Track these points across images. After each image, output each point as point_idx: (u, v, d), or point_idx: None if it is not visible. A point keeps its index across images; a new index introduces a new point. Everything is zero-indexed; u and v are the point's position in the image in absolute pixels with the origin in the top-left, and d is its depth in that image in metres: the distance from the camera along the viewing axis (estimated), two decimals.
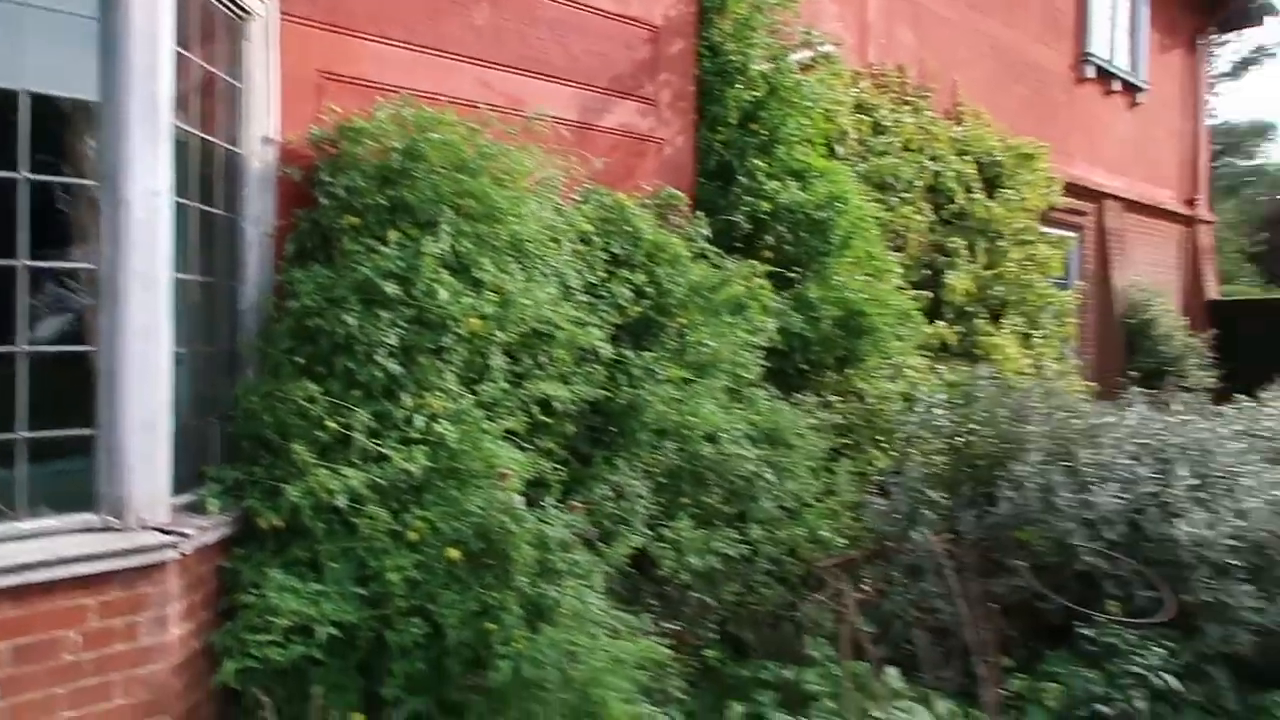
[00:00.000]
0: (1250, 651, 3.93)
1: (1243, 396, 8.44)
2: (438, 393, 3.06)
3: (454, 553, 2.82)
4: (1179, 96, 12.27)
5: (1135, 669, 3.66)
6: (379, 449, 2.93)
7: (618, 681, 2.62)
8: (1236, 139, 27.76)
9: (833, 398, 5.31)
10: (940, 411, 5.29)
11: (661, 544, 3.84)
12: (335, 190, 3.34)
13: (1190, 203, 12.47)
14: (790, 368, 5.00)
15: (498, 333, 3.18)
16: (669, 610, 4.04)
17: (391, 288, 3.05)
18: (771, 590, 4.23)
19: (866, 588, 4.63)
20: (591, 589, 2.91)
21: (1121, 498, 4.15)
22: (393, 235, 3.18)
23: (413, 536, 2.89)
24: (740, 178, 5.09)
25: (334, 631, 2.71)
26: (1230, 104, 45.39)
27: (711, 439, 3.91)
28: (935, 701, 3.67)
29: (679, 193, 4.75)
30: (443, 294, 3.07)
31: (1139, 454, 4.34)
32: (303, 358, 3.07)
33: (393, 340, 3.02)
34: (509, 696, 2.70)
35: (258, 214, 3.43)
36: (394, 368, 3.01)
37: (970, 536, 4.69)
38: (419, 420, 3.00)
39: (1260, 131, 28.83)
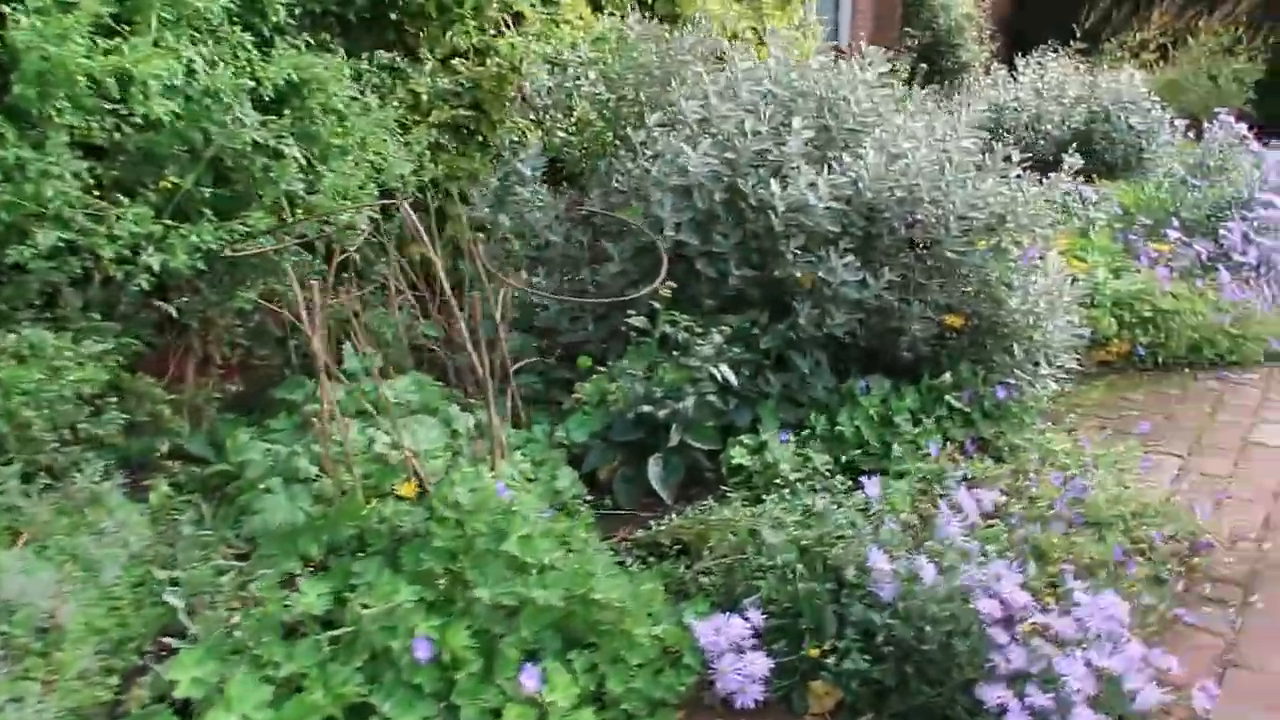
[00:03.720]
0: (855, 334, 3.28)
1: (1002, 70, 7.66)
2: None
3: None
4: None
5: (694, 362, 2.95)
6: None
7: None
8: None
9: (455, 60, 4.20)
10: (593, 74, 4.26)
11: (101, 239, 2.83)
12: None
13: None
14: (373, 13, 3.83)
15: None
16: (160, 331, 3.13)
17: None
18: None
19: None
20: None
21: (723, 158, 3.28)
22: None
23: None
24: None
25: None
26: None
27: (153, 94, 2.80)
28: (463, 414, 2.93)
29: None
30: None
31: (757, 105, 3.42)
32: None
33: None
34: None
35: None
36: None
37: (597, 220, 3.86)
38: None
39: None
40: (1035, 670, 1.72)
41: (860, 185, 3.18)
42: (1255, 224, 4.53)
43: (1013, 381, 3.25)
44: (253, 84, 3.08)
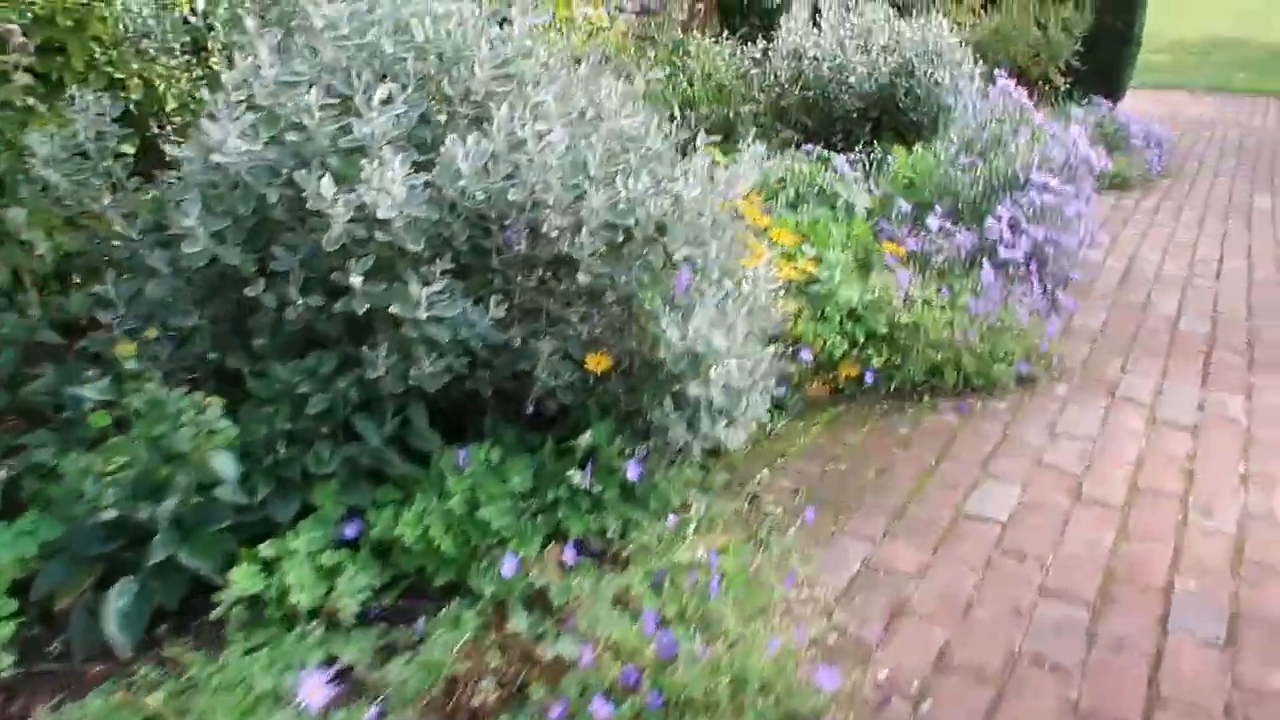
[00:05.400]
0: (480, 379, 2.47)
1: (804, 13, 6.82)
2: None
3: None
4: None
5: (184, 445, 2.07)
6: None
7: None
8: None
9: None
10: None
11: None
12: None
13: None
14: None
15: None
16: None
17: None
18: None
19: None
20: None
21: (288, 141, 2.37)
22: None
23: None
24: None
25: None
26: None
27: None
28: None
29: None
30: None
31: (347, 66, 2.50)
32: None
33: None
34: None
35: None
36: None
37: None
38: None
39: None
40: None
41: (463, 184, 2.32)
42: (1030, 209, 3.87)
43: (679, 440, 2.48)
44: None
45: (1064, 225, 3.92)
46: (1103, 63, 8.59)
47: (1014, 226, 3.80)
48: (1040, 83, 8.18)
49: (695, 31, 5.80)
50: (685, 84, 5.60)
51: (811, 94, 6.07)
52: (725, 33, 6.81)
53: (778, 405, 3.06)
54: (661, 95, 5.39)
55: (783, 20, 6.64)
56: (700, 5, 5.80)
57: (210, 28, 3.63)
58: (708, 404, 2.46)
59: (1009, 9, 7.93)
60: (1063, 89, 8.11)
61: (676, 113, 5.46)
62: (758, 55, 6.44)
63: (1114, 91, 8.99)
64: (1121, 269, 4.67)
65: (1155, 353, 3.64)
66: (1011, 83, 4.43)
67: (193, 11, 3.55)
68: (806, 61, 6.07)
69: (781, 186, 4.66)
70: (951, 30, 6.25)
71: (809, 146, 5.37)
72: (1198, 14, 24.02)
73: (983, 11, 8.05)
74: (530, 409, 2.50)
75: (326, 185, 2.19)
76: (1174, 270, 4.67)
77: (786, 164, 4.86)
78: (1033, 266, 3.80)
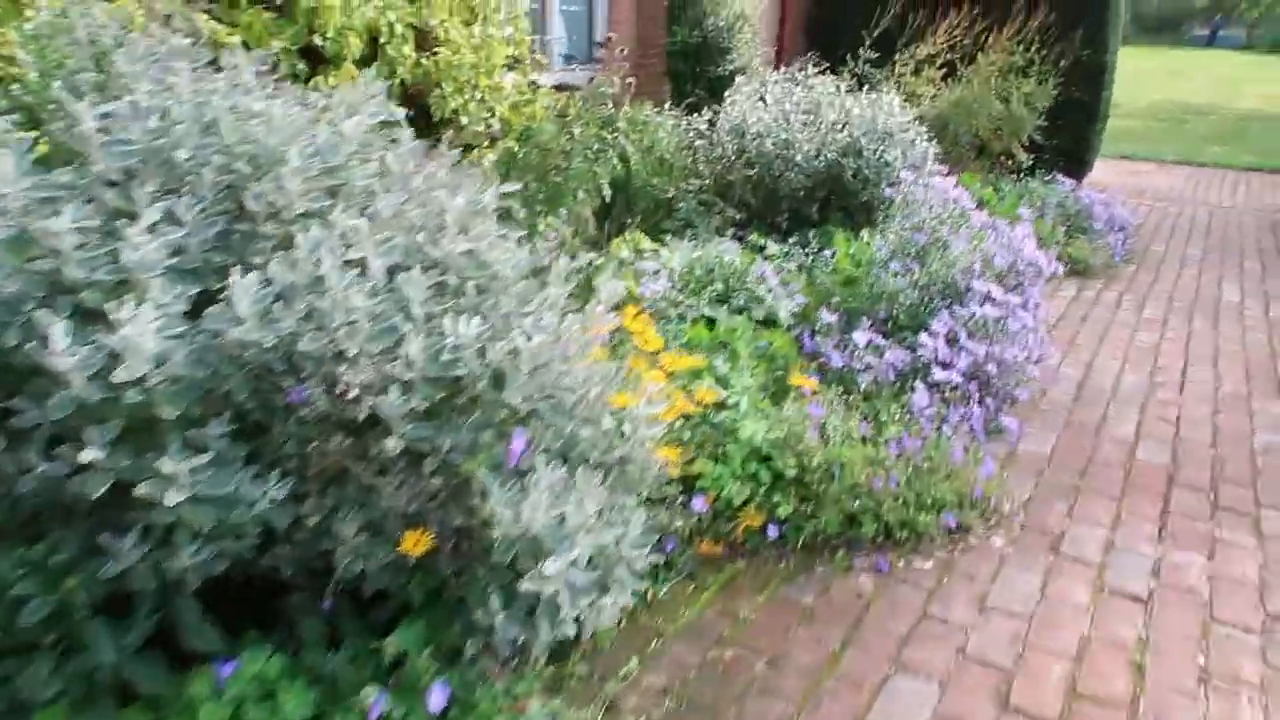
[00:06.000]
0: (278, 562, 2.02)
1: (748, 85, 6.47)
2: None
3: None
4: None
5: None
6: None
7: None
8: None
9: None
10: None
11: None
12: None
13: None
14: None
15: None
16: None
17: None
18: None
19: None
20: None
21: (39, 273, 1.94)
22: None
23: None
24: None
25: None
26: None
27: None
28: None
29: None
30: None
31: (124, 177, 2.08)
32: None
33: None
34: None
35: None
36: None
37: None
38: None
39: None
40: None
41: (240, 332, 1.89)
42: (970, 322, 3.48)
43: (516, 640, 2.03)
44: None
45: (1009, 339, 3.53)
46: (1068, 137, 8.32)
47: (953, 341, 3.41)
48: (1003, 157, 7.89)
49: (627, 105, 5.42)
50: (616, 161, 5.21)
51: (755, 171, 5.73)
52: (670, 103, 6.47)
53: (666, 563, 2.64)
54: (590, 173, 5.00)
55: (728, 91, 6.33)
56: (631, 80, 5.44)
57: (48, 104, 3.23)
58: (550, 600, 2.02)
59: (970, 82, 7.64)
60: (1025, 164, 7.82)
61: (606, 192, 5.09)
62: (704, 127, 6.10)
63: (1080, 166, 8.73)
64: (1077, 378, 4.28)
65: (1108, 492, 3.23)
66: (950, 182, 4.07)
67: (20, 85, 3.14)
68: (749, 137, 5.73)
69: (709, 280, 4.29)
70: (904, 105, 5.95)
71: (743, 234, 5.02)
72: (1174, 79, 24.22)
73: (944, 83, 7.75)
74: (328, 602, 2.05)
75: (58, 333, 1.76)
76: (1134, 381, 4.29)
77: (716, 253, 4.49)
78: (973, 387, 3.40)
